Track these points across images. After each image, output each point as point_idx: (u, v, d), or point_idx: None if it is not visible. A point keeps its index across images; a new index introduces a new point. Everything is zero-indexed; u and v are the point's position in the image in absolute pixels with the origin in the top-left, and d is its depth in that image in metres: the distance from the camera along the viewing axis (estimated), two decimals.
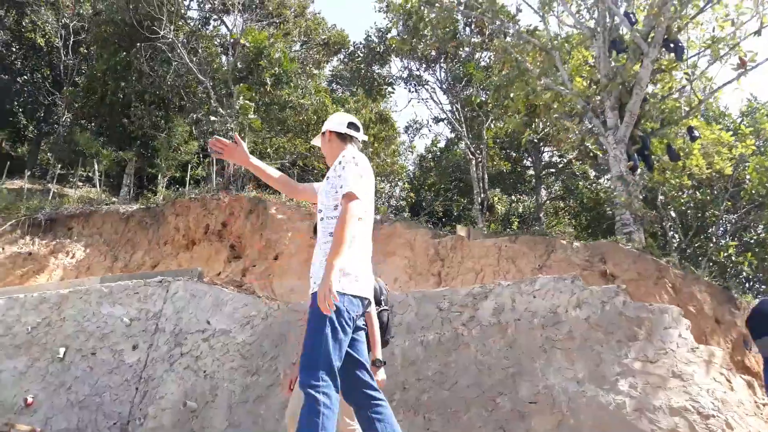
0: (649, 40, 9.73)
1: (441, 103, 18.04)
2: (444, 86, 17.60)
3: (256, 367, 6.77)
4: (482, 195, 14.91)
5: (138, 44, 16.80)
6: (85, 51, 21.82)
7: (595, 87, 11.03)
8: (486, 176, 15.15)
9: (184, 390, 6.89)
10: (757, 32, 9.36)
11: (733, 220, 15.79)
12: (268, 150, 18.06)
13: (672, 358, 5.05)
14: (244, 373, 6.79)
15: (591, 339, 5.25)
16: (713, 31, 10.34)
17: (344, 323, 2.87)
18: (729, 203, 15.13)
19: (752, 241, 16.57)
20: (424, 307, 6.10)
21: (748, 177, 14.40)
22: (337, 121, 3.48)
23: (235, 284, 9.18)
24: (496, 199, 19.53)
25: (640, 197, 9.32)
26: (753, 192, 14.13)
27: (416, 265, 8.56)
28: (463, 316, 5.86)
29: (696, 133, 10.97)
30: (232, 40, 16.33)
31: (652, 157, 10.71)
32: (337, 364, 2.80)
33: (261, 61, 14.34)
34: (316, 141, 3.63)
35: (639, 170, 10.21)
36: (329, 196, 3.15)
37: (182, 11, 18.84)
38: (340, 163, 3.17)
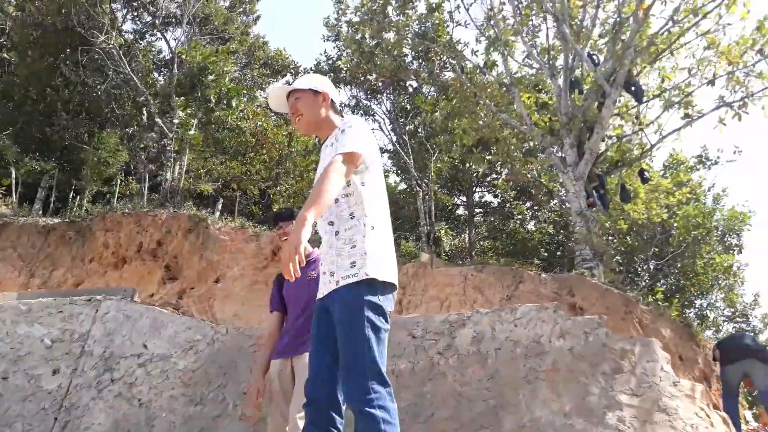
0: (611, 81, 10.07)
1: (390, 134, 18.06)
2: (391, 117, 17.59)
3: (200, 396, 6.09)
4: (428, 227, 14.85)
5: (67, 51, 15.75)
6: (5, 55, 20.26)
7: (550, 125, 11.25)
8: (433, 208, 15.14)
9: (115, 420, 6.09)
10: (711, 82, 9.90)
11: (659, 266, 16.46)
12: (201, 171, 17.26)
13: (656, 392, 4.92)
14: (186, 402, 6.08)
15: (576, 370, 5.04)
16: (662, 81, 10.90)
17: (382, 318, 2.34)
18: (656, 249, 15.80)
19: (672, 287, 17.33)
20: (396, 334, 5.69)
21: (675, 225, 15.12)
22: (330, 87, 2.87)
23: (170, 307, 8.43)
24: (442, 232, 19.52)
25: (600, 233, 9.53)
26: (680, 239, 14.83)
27: None
28: (438, 344, 5.50)
29: (647, 176, 11.39)
30: (175, 53, 15.64)
31: (607, 196, 11.01)
32: (385, 368, 2.28)
33: (204, 78, 13.75)
34: (281, 102, 2.91)
35: (595, 208, 10.45)
36: None
37: (118, 24, 17.96)
38: (342, 131, 2.60)
